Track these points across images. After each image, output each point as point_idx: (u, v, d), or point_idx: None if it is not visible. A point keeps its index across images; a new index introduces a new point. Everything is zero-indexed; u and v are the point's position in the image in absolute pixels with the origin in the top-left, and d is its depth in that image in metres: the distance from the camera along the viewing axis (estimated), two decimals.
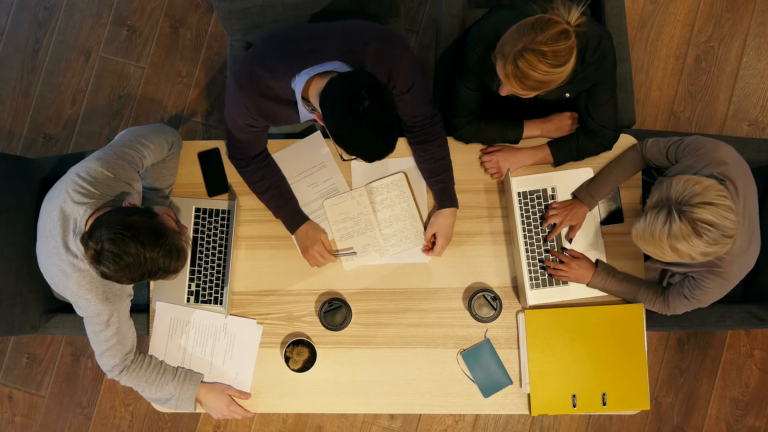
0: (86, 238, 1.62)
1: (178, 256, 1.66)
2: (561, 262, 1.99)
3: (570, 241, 2.01)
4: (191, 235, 2.06)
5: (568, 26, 1.62)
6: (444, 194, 2.00)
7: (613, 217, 2.03)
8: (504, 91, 1.76)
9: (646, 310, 1.97)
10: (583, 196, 1.99)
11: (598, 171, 2.02)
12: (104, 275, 1.62)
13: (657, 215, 1.58)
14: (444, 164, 1.99)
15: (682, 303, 1.88)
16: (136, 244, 1.58)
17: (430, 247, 2.02)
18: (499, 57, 1.68)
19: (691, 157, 1.78)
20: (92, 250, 1.60)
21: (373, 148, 1.62)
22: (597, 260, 2.00)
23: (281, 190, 2.00)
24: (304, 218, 2.02)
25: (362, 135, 1.57)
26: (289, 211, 2.01)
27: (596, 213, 2.03)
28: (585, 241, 2.02)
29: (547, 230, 2.02)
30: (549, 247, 2.02)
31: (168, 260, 1.63)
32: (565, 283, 2.00)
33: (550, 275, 2.00)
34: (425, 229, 2.04)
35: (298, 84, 1.69)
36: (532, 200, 2.03)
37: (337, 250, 2.03)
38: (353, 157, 1.66)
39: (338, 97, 1.56)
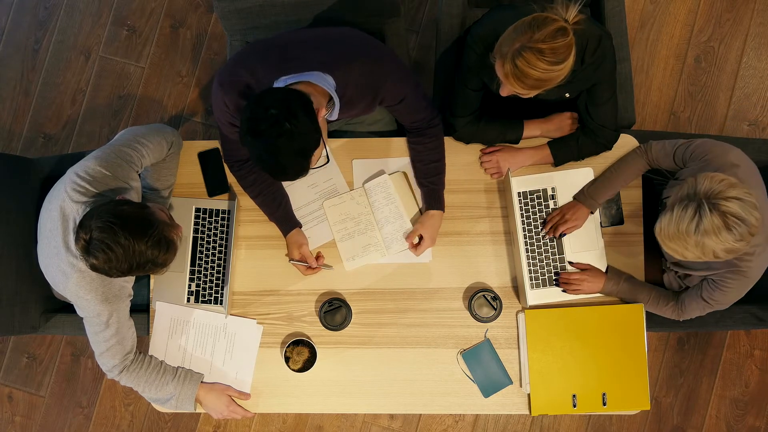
0: (77, 229, 1.62)
1: (167, 248, 1.65)
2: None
3: (562, 235, 2.00)
4: (191, 234, 2.06)
5: (565, 24, 1.61)
6: (431, 195, 1.99)
7: (614, 219, 2.03)
8: (504, 92, 1.76)
9: (646, 311, 1.97)
10: (583, 199, 1.99)
11: (599, 173, 2.02)
12: (93, 267, 1.62)
13: (685, 209, 1.55)
14: (436, 167, 1.98)
15: (699, 306, 1.86)
16: (125, 233, 1.58)
17: (413, 245, 2.01)
18: (497, 57, 1.68)
19: (700, 161, 1.77)
20: (82, 240, 1.60)
21: (272, 169, 1.61)
22: (608, 267, 2.00)
23: (272, 195, 2.00)
24: (292, 226, 2.02)
25: (259, 155, 1.58)
26: (278, 218, 2.02)
27: (596, 214, 2.02)
28: (585, 241, 2.02)
29: (546, 235, 2.02)
30: (557, 265, 2.01)
31: (156, 251, 1.63)
32: (564, 291, 2.00)
33: (556, 283, 2.00)
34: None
35: None
36: (532, 200, 2.03)
37: (316, 266, 2.02)
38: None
39: (245, 114, 1.57)
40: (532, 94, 1.72)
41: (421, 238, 2.00)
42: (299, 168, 1.61)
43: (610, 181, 1.98)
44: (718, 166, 1.72)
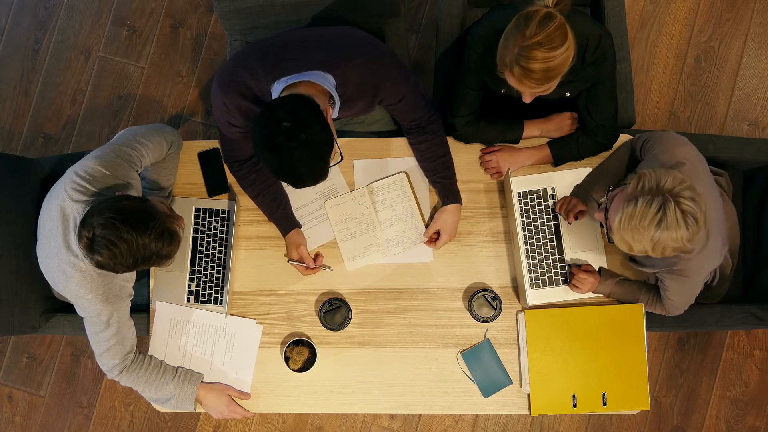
0: (79, 227, 1.62)
1: (171, 239, 1.65)
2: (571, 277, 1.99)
3: (576, 218, 1.97)
4: (191, 234, 2.06)
5: (548, 9, 1.63)
6: (446, 191, 2.00)
7: None
8: (526, 98, 1.77)
9: (646, 311, 1.97)
10: (577, 192, 2.00)
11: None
12: (99, 264, 1.62)
13: (650, 203, 1.57)
14: (444, 162, 1.99)
15: (668, 304, 1.90)
16: (127, 227, 1.58)
17: (432, 240, 2.02)
18: (503, 70, 1.70)
19: (651, 154, 1.81)
20: (85, 238, 1.60)
21: (294, 180, 1.62)
22: (600, 268, 2.00)
23: (272, 195, 2.00)
24: (291, 226, 2.02)
25: (279, 169, 1.58)
26: (278, 218, 2.02)
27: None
28: (585, 241, 2.02)
29: (567, 220, 1.99)
30: (557, 265, 2.01)
31: (160, 244, 1.63)
32: (566, 283, 2.00)
33: (566, 281, 2.00)
34: (427, 227, 2.04)
35: (275, 90, 1.69)
36: (532, 200, 2.03)
37: (314, 266, 2.02)
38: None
39: (257, 129, 1.57)
40: (551, 87, 1.72)
41: (438, 233, 2.01)
42: (319, 174, 1.63)
43: (600, 173, 2.00)
44: (664, 160, 1.75)
